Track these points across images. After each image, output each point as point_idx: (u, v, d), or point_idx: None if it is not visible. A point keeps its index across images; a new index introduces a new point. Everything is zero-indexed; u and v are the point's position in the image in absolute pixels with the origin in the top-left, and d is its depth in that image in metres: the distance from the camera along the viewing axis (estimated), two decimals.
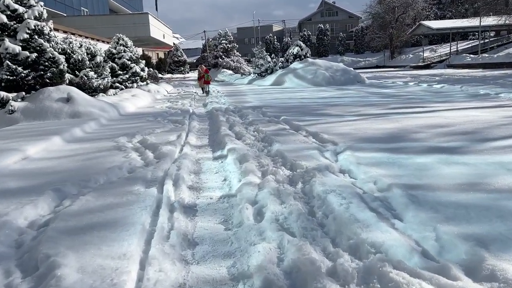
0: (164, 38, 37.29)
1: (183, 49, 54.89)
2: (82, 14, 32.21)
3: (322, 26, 67.05)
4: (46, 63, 9.82)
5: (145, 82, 19.53)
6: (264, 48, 30.32)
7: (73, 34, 21.22)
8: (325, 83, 20.32)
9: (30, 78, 9.58)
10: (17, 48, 9.13)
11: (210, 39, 64.26)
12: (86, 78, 13.16)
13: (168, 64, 49.74)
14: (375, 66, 55.49)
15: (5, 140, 6.50)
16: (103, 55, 14.17)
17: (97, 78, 13.74)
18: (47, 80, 9.86)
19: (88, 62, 13.55)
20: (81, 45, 13.66)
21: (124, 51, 19.61)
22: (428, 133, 6.03)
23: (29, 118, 8.85)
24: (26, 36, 9.31)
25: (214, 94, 17.68)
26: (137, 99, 13.55)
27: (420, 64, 45.27)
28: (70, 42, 13.42)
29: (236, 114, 10.09)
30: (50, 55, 9.78)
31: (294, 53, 24.12)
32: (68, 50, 13.25)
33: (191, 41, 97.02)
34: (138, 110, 11.95)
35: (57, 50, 10.59)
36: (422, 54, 47.55)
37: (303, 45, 24.69)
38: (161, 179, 4.25)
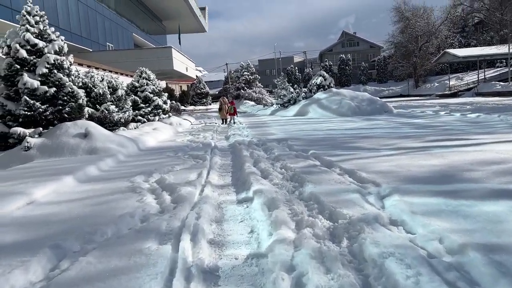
0: (187, 71, 37.70)
1: (205, 82, 55.58)
2: (108, 49, 32.92)
3: (344, 56, 67.00)
4: (65, 98, 9.56)
5: (167, 115, 19.31)
6: (286, 79, 30.05)
7: (97, 68, 21.45)
8: (351, 113, 19.65)
9: (48, 113, 9.30)
10: (36, 83, 8.90)
11: (232, 71, 65.03)
12: (107, 112, 12.92)
13: (191, 96, 50.21)
14: (399, 95, 54.57)
15: (14, 181, 6.05)
16: (125, 88, 14.00)
17: (118, 111, 13.50)
18: (66, 115, 9.56)
19: (109, 96, 13.35)
20: (102, 79, 13.52)
21: (147, 84, 19.58)
22: (484, 171, 5.23)
23: (45, 155, 8.48)
24: (45, 70, 9.11)
25: (236, 126, 17.24)
26: (158, 133, 13.18)
27: (446, 92, 44.16)
28: (92, 76, 13.29)
29: (260, 148, 9.49)
30: (69, 89, 9.53)
31: (318, 83, 23.67)
32: (90, 84, 13.10)
33: (213, 74, 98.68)
34: (158, 144, 11.53)
35: (76, 84, 10.36)
36: (448, 82, 46.47)
37: (326, 75, 24.24)
38: (177, 231, 3.61)
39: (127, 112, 13.90)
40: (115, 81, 13.72)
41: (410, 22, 52.52)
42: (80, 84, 13.03)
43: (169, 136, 13.80)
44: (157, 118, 18.26)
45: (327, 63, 66.38)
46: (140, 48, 35.27)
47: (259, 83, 37.57)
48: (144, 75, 19.82)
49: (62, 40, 9.95)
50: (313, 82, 23.96)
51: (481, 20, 55.97)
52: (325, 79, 23.84)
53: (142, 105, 19.19)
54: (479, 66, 43.73)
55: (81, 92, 9.98)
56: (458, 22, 54.37)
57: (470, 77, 47.17)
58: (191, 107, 45.87)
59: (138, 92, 19.39)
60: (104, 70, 24.07)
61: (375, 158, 6.87)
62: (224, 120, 20.84)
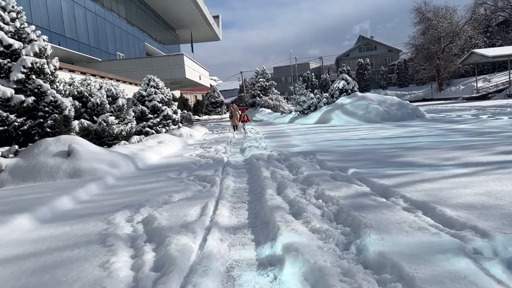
0: (200, 79, 36.26)
1: (220, 91, 54.20)
2: (118, 59, 31.72)
3: (362, 61, 64.81)
4: (47, 109, 7.93)
5: (177, 126, 17.68)
6: (304, 84, 28.25)
7: (104, 77, 20.07)
8: (379, 119, 17.68)
9: (26, 127, 7.69)
10: (9, 91, 7.30)
11: (247, 80, 63.52)
12: (105, 124, 11.32)
13: (205, 105, 48.84)
14: (421, 99, 52.05)
15: None
16: (126, 97, 12.43)
17: (118, 123, 11.89)
18: (48, 129, 7.93)
19: (108, 106, 11.76)
20: (100, 87, 11.95)
21: (155, 93, 18.03)
22: None
23: (18, 179, 6.84)
24: (21, 76, 7.52)
25: (252, 136, 15.45)
26: (164, 147, 11.49)
27: (474, 95, 41.57)
28: (88, 84, 11.73)
29: (283, 165, 7.67)
30: (51, 98, 7.91)
31: (340, 87, 21.77)
32: (86, 93, 11.54)
33: (228, 83, 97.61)
34: (162, 160, 9.82)
35: (63, 92, 8.75)
36: (475, 84, 43.86)
37: (349, 78, 22.33)
38: None
39: (129, 124, 12.28)
40: (115, 89, 12.14)
41: (432, 23, 50.18)
42: (75, 92, 11.50)
43: (176, 150, 12.10)
44: (163, 130, 16.66)
45: (344, 68, 64.28)
46: (150, 56, 33.99)
47: (275, 89, 35.81)
48: (152, 83, 18.29)
49: (44, 41, 8.37)
50: (334, 86, 22.06)
51: (506, 19, 53.17)
52: (348, 83, 21.92)
53: (150, 115, 17.65)
54: (505, 67, 41.02)
55: (67, 102, 8.35)
56: (482, 22, 51.70)
57: (498, 78, 44.46)
58: (206, 117, 44.43)
59: (146, 102, 17.86)
60: (111, 79, 22.74)
61: (445, 181, 4.96)
62: (235, 127, 21.37)
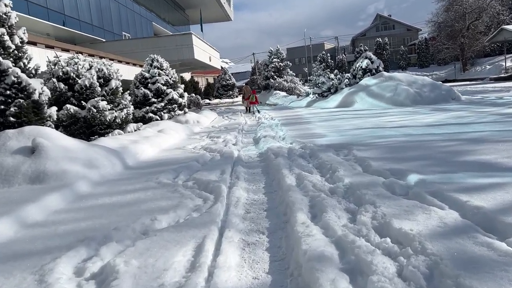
0: (210, 60, 34.30)
1: (232, 73, 52.17)
2: (123, 39, 29.94)
3: (380, 40, 61.78)
4: (8, 92, 6.23)
5: (182, 111, 15.94)
6: (323, 64, 26.16)
7: (112, 59, 18.38)
8: (410, 102, 15.66)
9: None
10: None
11: (259, 61, 61.21)
12: (95, 111, 9.64)
13: (216, 88, 46.95)
14: (444, 80, 49.19)
15: None
16: (120, 78, 10.67)
17: (111, 109, 10.20)
18: (12, 118, 6.25)
19: (99, 89, 10.04)
20: (90, 67, 10.22)
21: (159, 75, 16.27)
22: None
23: None
24: None
25: (267, 123, 13.63)
26: (164, 137, 9.78)
27: (502, 75, 38.77)
28: (76, 63, 10.02)
29: (309, 164, 5.88)
30: (14, 79, 6.20)
31: (363, 67, 19.68)
32: (72, 74, 9.83)
33: (240, 65, 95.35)
34: (159, 155, 8.10)
35: (33, 72, 7.02)
36: (504, 64, 40.97)
37: (373, 57, 20.21)
38: None
39: (124, 110, 10.57)
40: (107, 69, 10.39)
41: None
42: (60, 73, 9.80)
43: (179, 140, 10.37)
44: (166, 116, 14.95)
45: (361, 48, 61.41)
46: (157, 36, 32.11)
47: (290, 70, 33.66)
48: (155, 63, 16.51)
49: (6, 5, 6.60)
50: (357, 65, 19.97)
51: None
52: (372, 62, 19.81)
53: (153, 99, 15.94)
54: None
55: (37, 84, 6.62)
56: None
57: None
58: (216, 101, 42.65)
59: (149, 84, 16.14)
60: (112, 59, 21.06)
61: None
62: (248, 109, 22.08)
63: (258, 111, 20.24)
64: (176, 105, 16.34)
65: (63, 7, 22.70)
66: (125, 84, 19.40)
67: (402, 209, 3.31)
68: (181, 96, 16.83)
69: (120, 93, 10.79)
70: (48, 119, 7.26)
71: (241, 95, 28.36)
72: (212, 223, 3.46)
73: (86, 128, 9.90)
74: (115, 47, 26.63)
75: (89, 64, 10.30)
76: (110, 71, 10.49)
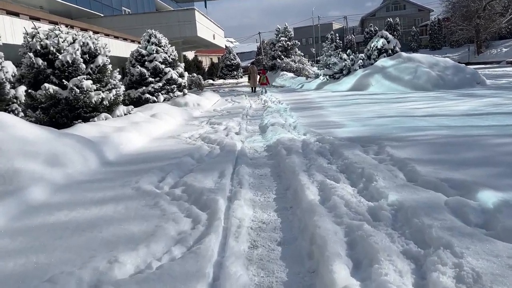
0: (214, 38, 32.64)
1: (237, 53, 50.43)
2: (123, 14, 28.38)
3: (391, 20, 59.53)
4: None
5: (181, 92, 14.62)
6: (334, 44, 24.60)
7: (107, 35, 17.01)
8: (431, 86, 14.24)
9: None
10: None
11: (265, 41, 59.23)
12: (78, 91, 8.36)
13: (220, 68, 45.34)
14: (457, 63, 47.28)
15: None
16: (109, 53, 9.31)
17: (98, 89, 8.91)
18: None
19: (83, 66, 8.73)
20: (74, 40, 8.88)
21: (157, 52, 14.90)
22: None
23: None
24: None
25: (274, 107, 12.30)
26: (157, 123, 8.51)
27: None
28: (56, 36, 8.68)
29: (333, 165, 4.61)
30: None
31: (379, 46, 18.15)
32: (52, 48, 8.52)
33: (245, 45, 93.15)
34: (147, 146, 6.85)
35: None
36: None
37: (389, 36, 18.65)
38: None
39: (113, 91, 9.27)
40: (93, 43, 9.04)
41: None
42: (37, 47, 8.49)
43: (174, 126, 9.08)
44: (162, 98, 13.68)
45: (371, 29, 59.30)
46: (158, 12, 30.48)
47: (298, 50, 31.97)
48: (153, 39, 15.12)
49: None
50: (372, 45, 18.42)
51: None
52: (388, 41, 18.26)
53: (151, 79, 14.61)
54: None
55: None
56: None
57: None
58: (220, 81, 41.14)
59: (146, 63, 14.79)
60: (117, 37, 19.67)
61: None
62: (253, 89, 22.25)
63: (265, 91, 19.73)
64: (175, 86, 15.02)
65: None
66: (122, 62, 18.07)
67: (502, 264, 2.05)
68: (181, 75, 15.49)
69: (108, 71, 9.47)
70: (14, 101, 5.99)
71: (247, 75, 27.27)
72: (199, 274, 2.21)
73: (68, 111, 8.63)
74: (113, 22, 25.10)
75: (73, 38, 8.96)
76: (96, 45, 9.15)
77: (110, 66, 9.55)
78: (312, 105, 12.09)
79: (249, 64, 36.45)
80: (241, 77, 44.17)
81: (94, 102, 8.69)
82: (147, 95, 14.14)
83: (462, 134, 5.68)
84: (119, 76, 9.61)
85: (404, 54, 16.51)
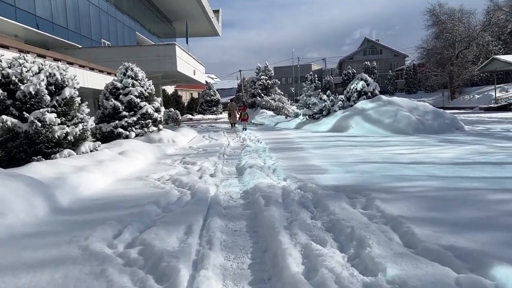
0: (194, 74, 32.51)
1: (217, 89, 50.43)
2: (102, 46, 27.96)
3: (369, 64, 61.32)
4: None
5: (156, 128, 14.01)
6: (313, 84, 24.72)
7: (71, 63, 16.37)
8: (412, 130, 14.11)
9: None
10: None
11: (246, 79, 59.79)
12: (39, 125, 7.67)
13: (199, 104, 45.08)
14: None
15: None
16: (77, 86, 8.69)
17: (62, 123, 8.23)
18: None
19: (48, 98, 8.08)
20: (39, 70, 8.27)
21: (133, 85, 14.38)
22: None
23: None
24: None
25: (253, 146, 11.82)
26: (124, 161, 7.84)
27: (492, 105, 38.14)
28: (20, 65, 8.06)
29: (318, 221, 4.05)
30: None
31: (358, 89, 18.17)
32: (14, 78, 7.87)
33: (226, 81, 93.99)
34: (110, 188, 6.16)
35: None
36: (493, 94, 40.43)
37: (369, 79, 18.75)
38: None
39: (80, 125, 8.60)
40: (61, 74, 8.45)
41: (447, 26, 46.75)
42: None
43: (145, 165, 8.41)
44: (133, 134, 13.04)
45: (349, 71, 60.86)
46: (138, 45, 30.26)
47: (278, 89, 32.07)
48: (129, 72, 14.64)
49: None
50: (352, 87, 18.44)
51: None
52: (367, 84, 18.33)
53: (124, 113, 13.99)
54: None
55: None
56: (502, 27, 48.24)
57: None
58: (199, 116, 40.78)
59: (121, 96, 14.21)
60: (93, 69, 19.10)
61: None
62: (232, 125, 22.58)
63: (245, 128, 19.95)
64: (150, 121, 14.42)
65: (34, 7, 20.70)
66: (97, 94, 17.42)
67: None
68: (157, 110, 14.92)
69: (76, 104, 8.83)
70: None
71: (227, 111, 27.09)
72: None
73: (27, 146, 7.90)
74: (91, 54, 24.62)
75: (38, 67, 8.35)
76: (64, 77, 8.55)
77: (78, 99, 8.93)
78: (292, 146, 11.66)
79: (228, 101, 36.36)
80: (221, 113, 43.95)
81: (57, 137, 7.99)
82: (120, 130, 13.47)
83: (454, 186, 5.25)
84: (87, 110, 8.97)
85: (384, 97, 16.51)
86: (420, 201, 4.53)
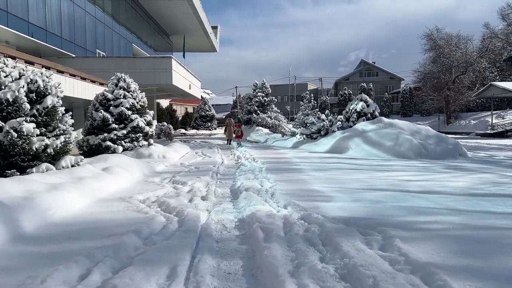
0: (190, 88, 31.97)
1: (212, 105, 49.96)
2: (96, 56, 27.38)
3: (365, 85, 61.35)
4: None
5: (146, 142, 13.30)
6: (311, 103, 24.26)
7: (62, 71, 15.71)
8: (413, 155, 13.53)
9: None
10: None
11: (241, 96, 59.43)
12: (15, 136, 6.94)
13: (194, 119, 44.46)
14: None
15: None
16: (61, 94, 7.99)
17: (42, 135, 7.52)
18: None
19: (27, 106, 7.38)
20: (20, 76, 7.59)
21: (124, 97, 13.73)
22: None
23: None
24: None
25: (248, 165, 11.14)
26: (107, 179, 7.11)
27: (489, 131, 37.95)
28: None
29: (329, 265, 3.35)
30: None
31: (358, 110, 17.67)
32: None
33: (221, 97, 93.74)
34: (87, 210, 5.42)
35: None
36: (489, 120, 40.33)
37: (369, 100, 18.29)
38: None
39: (61, 137, 7.88)
40: (43, 81, 7.77)
41: (444, 51, 46.95)
42: None
43: (130, 184, 7.67)
44: (121, 148, 12.35)
45: (346, 92, 60.83)
46: (134, 57, 29.71)
47: (275, 106, 31.56)
48: (121, 83, 14.01)
49: None
50: (351, 108, 17.93)
51: None
52: (367, 105, 17.85)
53: (114, 125, 13.29)
54: None
55: None
56: (498, 54, 48.60)
57: None
58: (193, 131, 40.10)
59: (111, 107, 13.53)
60: (84, 79, 18.41)
61: None
62: (229, 141, 22.63)
63: (240, 145, 20.12)
64: (141, 134, 13.73)
65: (28, 13, 20.12)
66: (88, 104, 16.72)
67: None
68: (149, 124, 14.25)
69: (59, 114, 8.13)
70: None
71: (223, 127, 26.65)
72: None
73: (1, 158, 7.16)
74: (85, 64, 24.05)
75: (19, 73, 7.67)
76: (47, 84, 7.87)
77: (62, 109, 8.23)
78: (290, 166, 10.99)
79: (224, 117, 35.84)
80: (215, 128, 43.34)
81: (35, 150, 7.27)
82: (108, 143, 12.75)
83: (480, 224, 4.59)
84: (71, 121, 8.26)
85: (385, 119, 15.99)
86: (447, 242, 3.85)
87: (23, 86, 7.40)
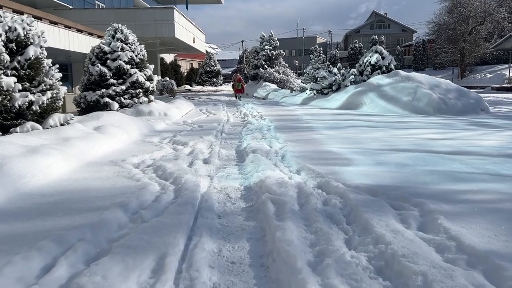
0: (194, 42, 30.56)
1: (218, 60, 48.36)
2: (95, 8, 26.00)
3: (376, 38, 58.89)
4: None
5: (146, 99, 12.49)
6: (321, 56, 23.01)
7: (80, 31, 14.69)
8: (433, 110, 12.61)
9: None
10: None
11: (248, 50, 57.50)
12: None
13: (199, 74, 43.15)
14: None
15: None
16: (45, 45, 7.14)
17: (25, 90, 6.73)
18: None
19: (7, 58, 6.54)
20: None
21: (122, 49, 12.77)
22: None
23: None
24: None
25: (255, 123, 10.36)
26: (98, 139, 6.38)
27: (505, 85, 36.41)
28: None
29: (359, 253, 2.65)
30: None
31: (372, 62, 16.52)
32: None
33: (227, 52, 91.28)
34: (71, 177, 4.73)
35: None
36: (507, 73, 38.60)
37: (384, 51, 17.07)
38: None
39: (48, 93, 7.10)
40: (24, 29, 6.87)
41: (462, 0, 44.31)
42: None
43: (125, 144, 6.95)
44: (116, 105, 11.57)
45: (356, 45, 58.62)
46: (134, 8, 28.20)
47: (283, 60, 30.20)
48: (119, 35, 13.02)
49: None
50: (365, 60, 16.77)
51: None
52: (383, 57, 16.67)
53: (112, 80, 12.45)
54: None
55: None
56: None
57: None
58: (198, 87, 38.99)
59: (108, 61, 12.62)
60: (80, 31, 17.32)
61: None
62: (236, 96, 22.37)
63: (239, 98, 20.88)
64: (141, 90, 12.89)
65: None
66: (84, 58, 15.79)
67: None
68: (149, 79, 13.37)
69: (45, 68, 7.30)
70: None
71: (231, 83, 25.75)
72: None
73: None
74: (83, 16, 22.79)
75: None
76: (29, 32, 6.98)
77: (48, 61, 7.38)
78: (301, 125, 10.18)
79: (230, 72, 34.56)
80: (221, 84, 42.15)
81: (18, 107, 6.52)
82: (107, 99, 11.97)
83: None
84: (58, 75, 7.43)
85: (402, 72, 14.91)
86: (502, 219, 3.11)
87: (1, 35, 6.53)
